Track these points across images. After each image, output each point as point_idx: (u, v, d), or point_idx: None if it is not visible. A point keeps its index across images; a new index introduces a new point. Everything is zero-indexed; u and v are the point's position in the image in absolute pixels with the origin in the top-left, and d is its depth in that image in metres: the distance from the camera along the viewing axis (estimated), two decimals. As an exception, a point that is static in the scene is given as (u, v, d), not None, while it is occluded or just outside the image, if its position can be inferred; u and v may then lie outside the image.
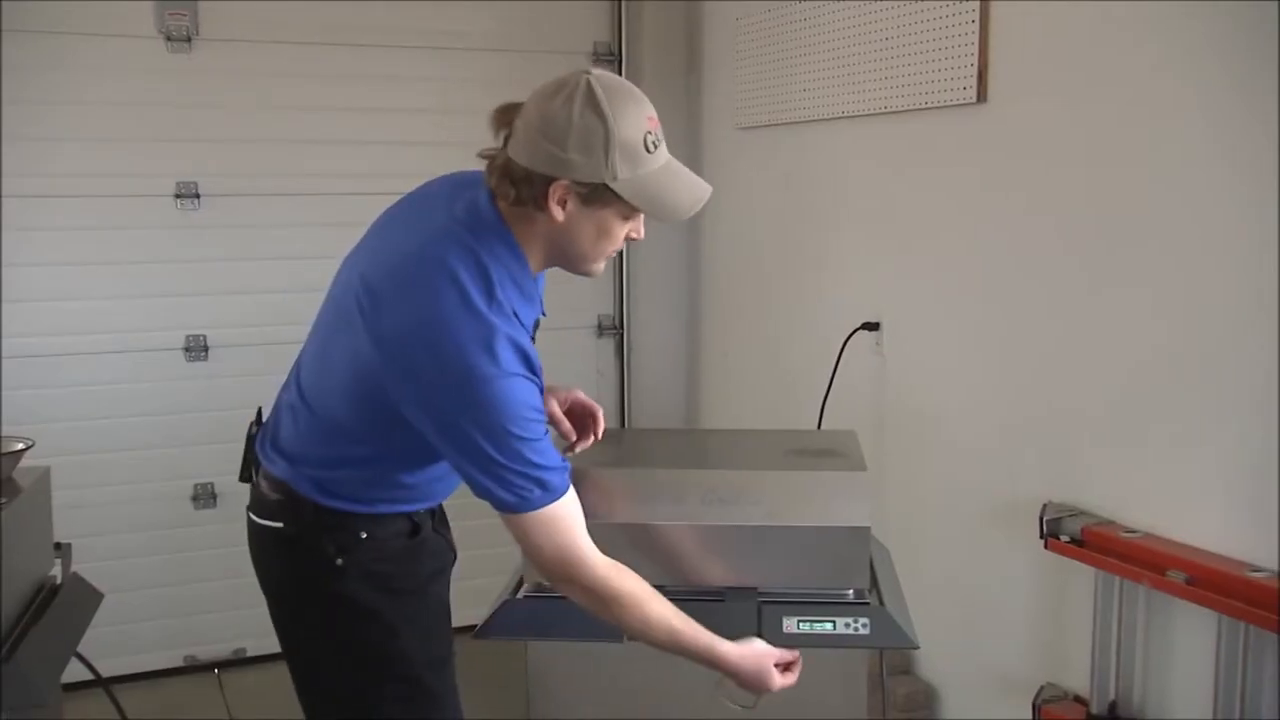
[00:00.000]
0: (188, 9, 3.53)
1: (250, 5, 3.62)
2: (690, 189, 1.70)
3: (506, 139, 1.68)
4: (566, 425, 2.03)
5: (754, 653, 1.83)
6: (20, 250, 3.44)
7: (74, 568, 2.42)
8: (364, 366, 1.68)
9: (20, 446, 2.24)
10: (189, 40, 3.55)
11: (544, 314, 1.91)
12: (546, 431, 1.69)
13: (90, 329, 3.58)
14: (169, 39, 3.53)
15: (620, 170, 1.61)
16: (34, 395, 3.46)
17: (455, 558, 2.01)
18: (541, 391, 1.71)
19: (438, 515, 1.98)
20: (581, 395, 2.07)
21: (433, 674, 1.88)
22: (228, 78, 3.63)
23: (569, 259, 1.75)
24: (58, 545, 2.39)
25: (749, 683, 1.84)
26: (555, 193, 1.63)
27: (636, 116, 1.63)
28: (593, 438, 2.04)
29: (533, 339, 1.77)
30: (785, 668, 1.87)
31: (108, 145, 3.53)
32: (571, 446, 2.02)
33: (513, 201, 1.67)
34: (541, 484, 1.66)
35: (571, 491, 1.71)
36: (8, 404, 3.39)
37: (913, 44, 2.94)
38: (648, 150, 1.64)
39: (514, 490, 1.66)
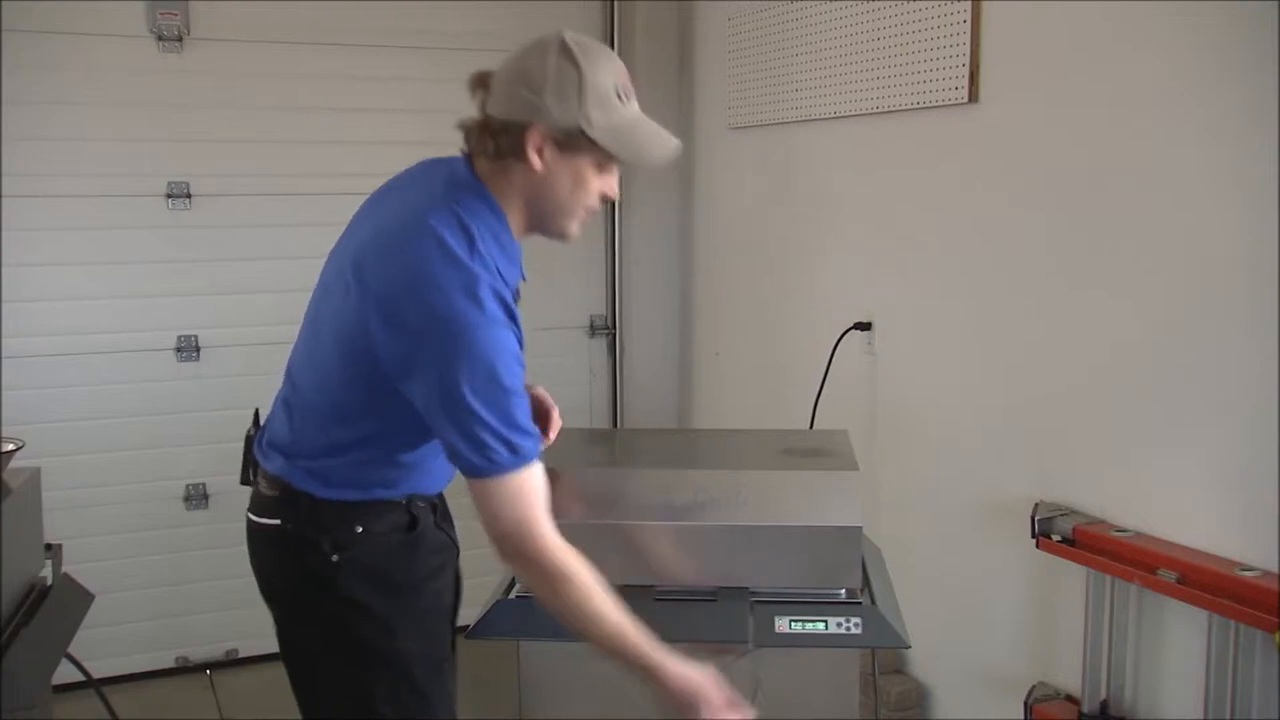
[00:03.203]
0: (179, 9, 3.53)
1: (242, 6, 3.62)
2: (661, 140, 1.76)
3: (484, 102, 1.74)
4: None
5: (698, 678, 1.72)
6: (10, 250, 3.43)
7: (65, 568, 2.41)
8: (354, 336, 1.70)
9: (10, 447, 2.23)
10: (180, 40, 3.54)
11: (524, 278, 1.92)
12: (523, 391, 1.68)
13: (81, 329, 3.57)
14: (160, 39, 3.52)
15: (594, 115, 1.68)
16: (24, 395, 3.45)
17: (458, 553, 2.00)
18: (523, 348, 1.71)
19: (440, 511, 1.97)
20: (541, 391, 2.05)
21: (427, 675, 1.87)
22: (219, 78, 3.62)
23: (546, 215, 1.77)
24: (48, 546, 2.38)
25: (678, 704, 1.72)
26: (533, 139, 1.68)
27: (608, 67, 1.71)
28: (551, 438, 2.01)
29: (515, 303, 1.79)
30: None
31: (99, 145, 3.52)
32: None
33: (493, 155, 1.72)
34: (511, 447, 1.65)
35: (539, 466, 1.69)
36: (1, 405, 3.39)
37: (904, 44, 2.95)
38: (620, 99, 1.71)
39: (484, 451, 1.65)
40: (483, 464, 1.65)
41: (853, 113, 3.19)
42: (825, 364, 3.24)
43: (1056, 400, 2.61)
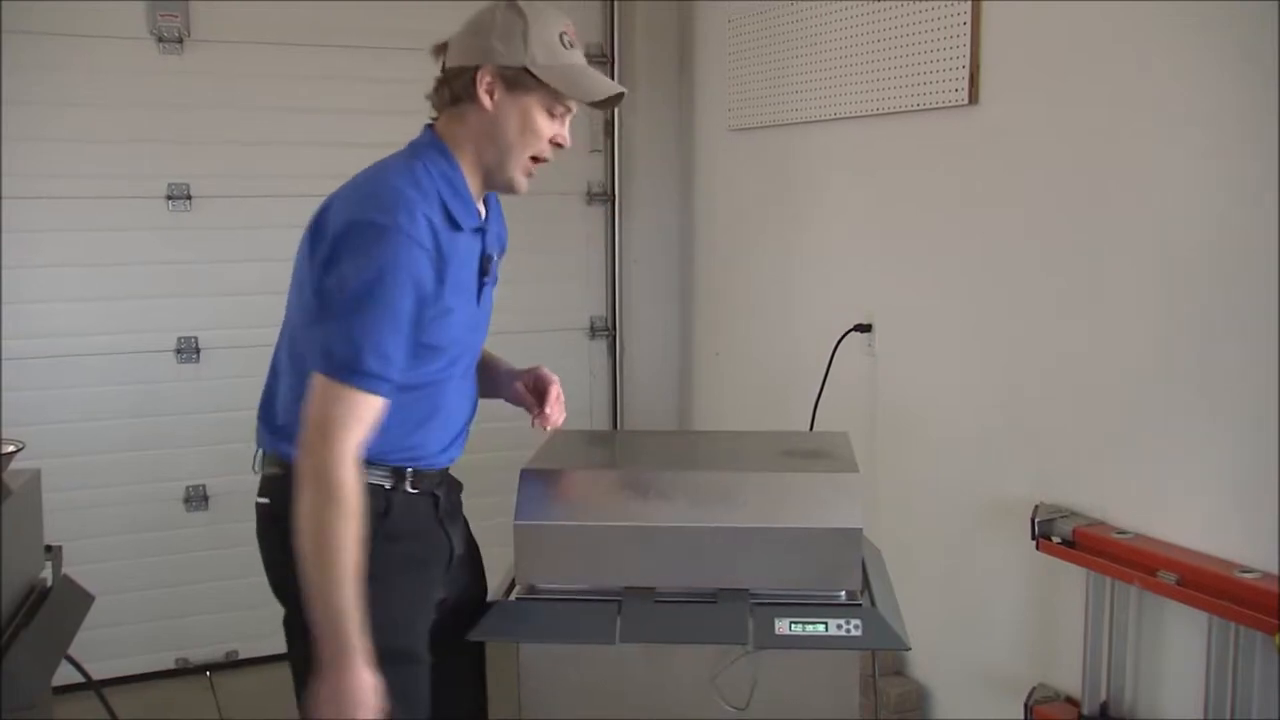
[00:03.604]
0: (179, 11, 3.53)
1: (242, 7, 3.62)
2: (603, 81, 1.88)
3: (443, 63, 1.88)
4: (529, 398, 2.10)
5: (370, 687, 1.70)
6: (11, 252, 3.43)
7: (65, 570, 2.41)
8: (304, 283, 1.81)
9: (11, 449, 2.23)
10: (180, 42, 3.54)
11: (504, 248, 2.04)
12: (405, 326, 1.72)
13: (81, 331, 3.57)
14: (160, 40, 3.52)
15: (538, 56, 1.80)
16: (25, 396, 3.45)
17: (452, 555, 1.98)
18: (441, 278, 1.77)
19: (444, 506, 1.96)
20: (544, 370, 2.13)
21: (394, 669, 1.79)
22: (219, 79, 3.62)
23: (496, 159, 1.85)
24: (48, 548, 2.38)
25: (336, 697, 1.69)
26: (483, 80, 1.81)
27: (553, 19, 1.84)
28: (555, 414, 2.06)
29: (484, 270, 1.90)
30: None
31: (99, 146, 3.52)
32: (536, 419, 2.08)
33: (449, 103, 1.85)
34: (353, 364, 1.69)
35: (374, 402, 1.71)
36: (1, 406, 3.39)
37: (904, 46, 2.95)
38: (564, 46, 1.83)
39: (331, 351, 1.71)
40: (323, 362, 1.72)
41: (853, 114, 3.19)
42: (825, 365, 3.24)
43: (1056, 402, 2.61)
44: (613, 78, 4.07)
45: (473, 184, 1.88)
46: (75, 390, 3.57)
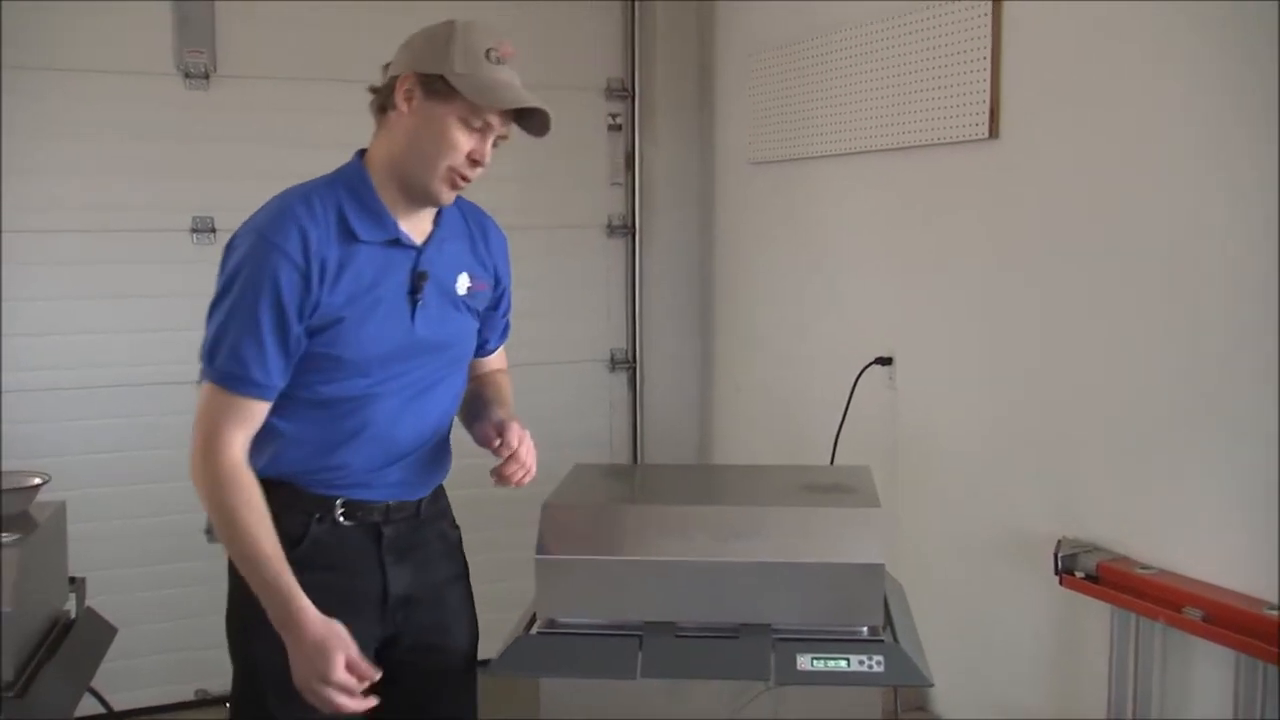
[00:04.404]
0: (206, 47, 3.57)
1: (267, 43, 3.66)
2: (519, 94, 1.82)
3: None
4: (493, 441, 1.95)
5: (333, 631, 1.72)
6: (35, 284, 3.47)
7: (88, 602, 2.42)
8: None
9: (37, 481, 2.25)
10: (207, 77, 3.59)
11: (495, 279, 2.06)
12: (266, 331, 1.75)
13: (106, 362, 3.59)
14: (187, 76, 3.57)
15: (457, 64, 1.79)
16: (49, 429, 3.48)
17: (385, 594, 1.89)
18: (322, 287, 1.78)
19: (387, 543, 1.90)
20: (516, 424, 1.96)
21: (286, 710, 1.78)
22: (244, 113, 3.66)
23: (412, 168, 1.84)
24: (72, 579, 2.39)
25: (307, 653, 1.71)
26: (402, 86, 1.82)
27: (483, 35, 1.82)
28: (514, 470, 1.92)
29: (417, 285, 1.87)
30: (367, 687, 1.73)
31: (126, 180, 3.56)
32: (498, 472, 1.92)
33: (377, 112, 1.89)
34: (212, 363, 1.78)
35: (240, 401, 1.78)
36: (24, 438, 3.41)
37: (924, 80, 2.96)
38: (489, 60, 1.81)
39: (200, 353, 1.81)
40: (202, 363, 1.80)
41: (873, 148, 3.20)
42: (846, 398, 3.24)
43: (1078, 435, 2.60)
44: (633, 113, 4.14)
45: (392, 196, 1.87)
46: (100, 422, 3.59)
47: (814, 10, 3.47)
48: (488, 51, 1.81)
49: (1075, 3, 2.55)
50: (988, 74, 2.76)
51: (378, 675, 1.75)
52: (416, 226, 1.90)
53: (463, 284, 1.96)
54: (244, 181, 3.66)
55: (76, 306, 3.55)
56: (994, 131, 2.76)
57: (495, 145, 1.87)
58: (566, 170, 4.07)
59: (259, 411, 1.80)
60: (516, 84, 1.83)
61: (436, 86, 1.80)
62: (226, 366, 1.77)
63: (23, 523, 2.15)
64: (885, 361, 3.20)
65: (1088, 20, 2.52)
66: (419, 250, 1.89)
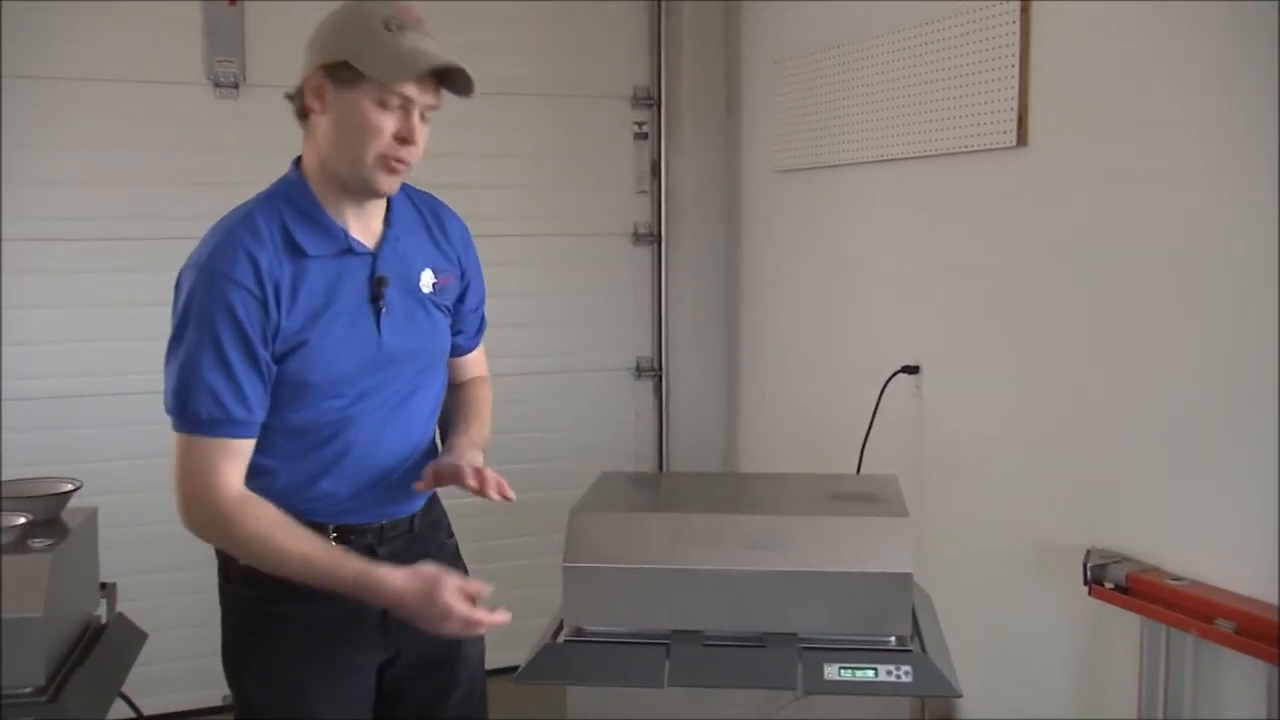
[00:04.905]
0: (235, 56, 3.61)
1: (296, 52, 3.66)
2: (424, 57, 1.68)
3: None
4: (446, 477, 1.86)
5: (421, 574, 1.70)
6: (67, 291, 3.52)
7: (118, 607, 2.44)
8: None
9: (69, 488, 2.27)
10: (236, 87, 3.62)
11: (452, 269, 1.93)
12: (234, 363, 1.67)
13: (134, 369, 3.62)
14: (217, 85, 3.60)
15: (354, 44, 1.67)
16: (80, 434, 3.52)
17: (384, 614, 1.82)
18: (279, 312, 1.69)
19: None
20: (460, 460, 1.86)
21: None
22: (273, 123, 3.67)
23: (344, 166, 1.73)
24: (103, 585, 2.41)
25: (420, 610, 1.69)
26: (310, 83, 1.72)
27: (382, 7, 1.70)
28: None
29: (377, 291, 1.78)
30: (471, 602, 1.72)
31: (156, 188, 3.60)
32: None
33: (298, 117, 1.78)
34: (184, 412, 1.69)
35: (222, 444, 1.69)
36: (54, 444, 3.45)
37: (952, 88, 2.95)
38: (388, 30, 1.68)
39: (167, 404, 1.72)
40: (172, 415, 1.71)
41: (899, 156, 3.20)
42: (872, 407, 3.23)
43: (1108, 444, 2.58)
44: (659, 121, 4.14)
45: (335, 200, 1.77)
46: (129, 428, 3.62)
47: (840, 18, 3.47)
48: (386, 21, 1.68)
49: (1106, 2, 2.53)
50: (1016, 81, 2.74)
51: (488, 588, 1.73)
52: (367, 228, 1.81)
53: (427, 280, 1.87)
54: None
55: (105, 313, 3.59)
56: (1022, 139, 2.75)
57: (425, 119, 1.73)
58: (592, 178, 4.09)
59: (246, 449, 1.72)
60: (423, 47, 1.69)
61: (343, 74, 1.68)
62: (203, 412, 1.68)
63: (54, 529, 2.17)
64: (912, 370, 3.19)
65: (1118, 24, 2.51)
66: (374, 254, 1.80)
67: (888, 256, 3.36)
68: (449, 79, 1.72)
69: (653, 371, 4.28)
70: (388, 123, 1.70)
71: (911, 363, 3.19)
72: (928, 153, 3.07)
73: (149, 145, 3.58)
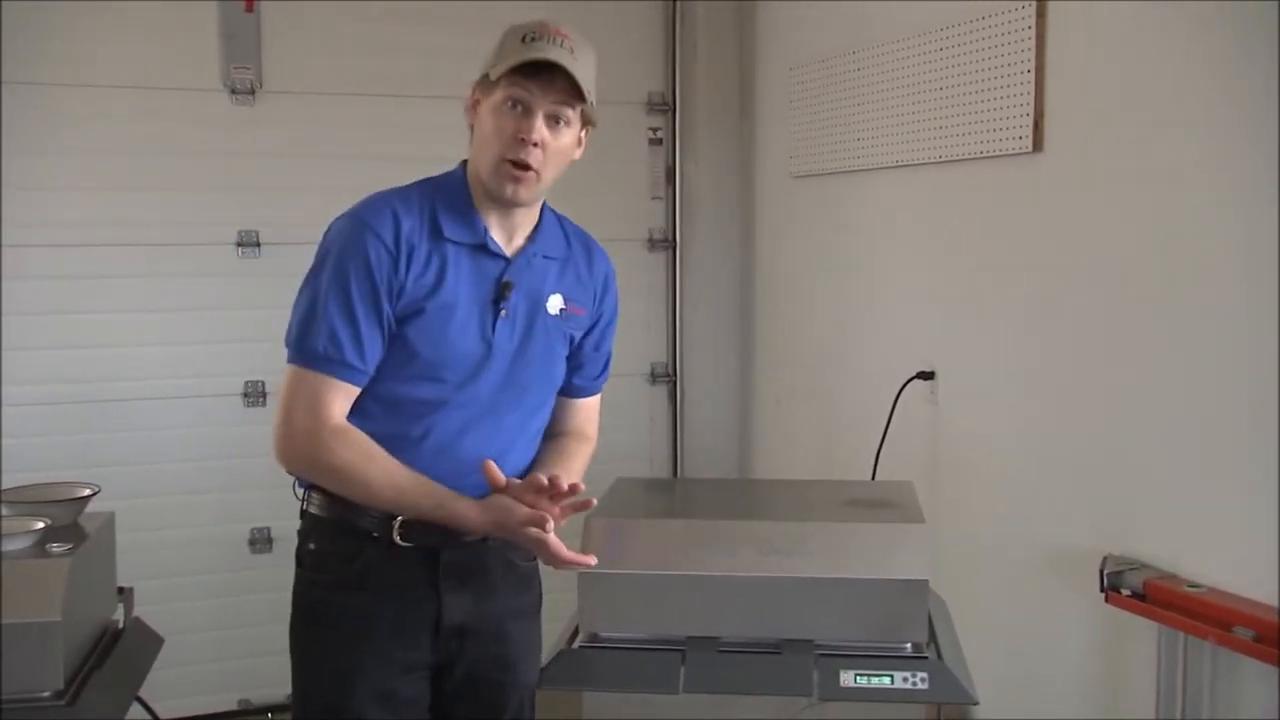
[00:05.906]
0: (252, 63, 3.63)
1: (313, 59, 3.71)
2: (529, 52, 1.78)
3: None
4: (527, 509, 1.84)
5: (492, 504, 1.79)
6: (84, 297, 3.54)
7: (135, 611, 2.45)
8: None
9: (87, 492, 2.28)
10: (253, 93, 3.64)
11: (586, 303, 2.01)
12: (358, 307, 1.77)
13: (152, 374, 3.65)
14: (234, 92, 3.62)
15: (495, 57, 1.82)
16: (98, 439, 3.54)
17: (439, 622, 1.88)
18: (396, 271, 1.79)
19: (445, 568, 1.88)
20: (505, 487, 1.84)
21: None
22: (290, 129, 3.71)
23: (484, 170, 1.84)
24: (121, 589, 2.42)
25: (499, 533, 1.81)
26: (468, 97, 1.88)
27: (524, 25, 1.82)
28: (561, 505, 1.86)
29: (501, 294, 1.86)
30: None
31: (173, 194, 3.62)
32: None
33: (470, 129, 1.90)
34: (301, 345, 1.79)
35: (331, 383, 1.78)
36: (70, 448, 3.47)
37: (967, 93, 2.95)
38: (523, 43, 1.80)
39: (288, 336, 1.83)
40: (289, 346, 1.82)
41: (915, 161, 3.19)
42: (887, 413, 3.22)
43: (1124, 451, 2.57)
44: (674, 126, 4.15)
45: (484, 204, 1.88)
46: (146, 433, 3.64)
47: (855, 23, 3.47)
48: (525, 35, 1.80)
49: (1121, 3, 2.53)
50: (1031, 86, 2.74)
51: (550, 523, 1.79)
52: (510, 238, 1.91)
53: (555, 304, 1.95)
54: (290, 196, 3.72)
55: (122, 319, 3.62)
56: (1038, 144, 2.74)
57: (555, 126, 1.82)
58: (607, 184, 4.08)
59: (351, 394, 1.80)
60: (543, 52, 1.77)
61: (484, 84, 1.83)
62: (320, 347, 1.77)
63: (72, 533, 2.18)
64: (927, 376, 3.18)
65: (1134, 27, 2.50)
66: (508, 260, 1.89)
67: (902, 263, 3.35)
68: (564, 87, 1.80)
69: (667, 377, 4.28)
70: (509, 124, 1.80)
71: (927, 369, 3.19)
72: (943, 158, 3.07)
73: (166, 152, 3.60)
